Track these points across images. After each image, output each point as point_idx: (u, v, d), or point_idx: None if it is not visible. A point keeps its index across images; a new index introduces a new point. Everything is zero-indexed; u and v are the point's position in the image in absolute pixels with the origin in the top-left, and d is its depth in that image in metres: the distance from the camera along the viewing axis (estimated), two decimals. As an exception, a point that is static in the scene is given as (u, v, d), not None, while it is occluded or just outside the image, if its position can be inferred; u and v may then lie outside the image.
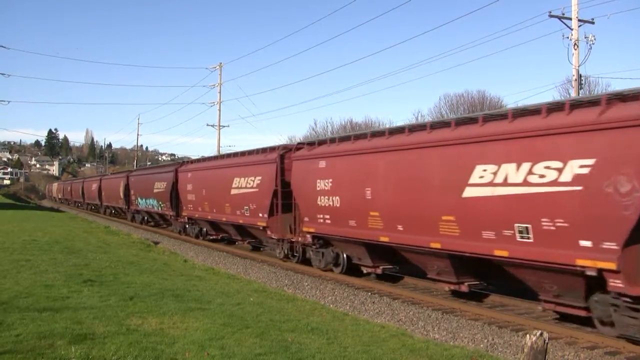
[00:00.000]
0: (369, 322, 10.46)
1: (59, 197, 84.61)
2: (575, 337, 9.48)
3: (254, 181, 19.34)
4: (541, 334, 5.10)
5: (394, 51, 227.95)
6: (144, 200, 33.83)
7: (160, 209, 30.56)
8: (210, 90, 49.42)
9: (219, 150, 44.10)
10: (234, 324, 8.56)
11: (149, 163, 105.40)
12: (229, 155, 23.57)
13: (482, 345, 9.35)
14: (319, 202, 15.31)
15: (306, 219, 16.19)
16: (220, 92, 43.62)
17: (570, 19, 22.85)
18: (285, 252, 18.17)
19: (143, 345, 6.88)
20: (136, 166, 75.23)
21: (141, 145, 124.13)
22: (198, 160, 27.64)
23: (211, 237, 25.18)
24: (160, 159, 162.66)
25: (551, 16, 23.09)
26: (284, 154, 17.76)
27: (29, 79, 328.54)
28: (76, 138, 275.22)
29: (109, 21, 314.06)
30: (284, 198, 17.45)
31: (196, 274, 15.15)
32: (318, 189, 15.28)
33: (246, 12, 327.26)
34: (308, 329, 8.73)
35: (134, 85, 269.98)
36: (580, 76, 23.04)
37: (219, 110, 43.66)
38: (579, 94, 22.59)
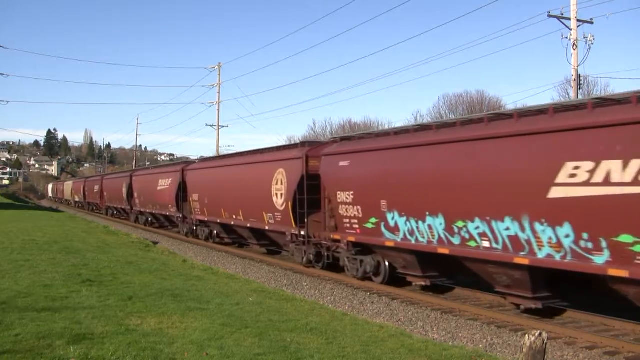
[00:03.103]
0: (368, 322, 10.45)
1: (76, 200, 62.87)
2: (575, 337, 9.49)
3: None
4: (540, 334, 5.10)
5: (394, 51, 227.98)
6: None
7: None
8: (209, 90, 49.29)
9: (217, 151, 44.09)
10: (233, 324, 8.56)
11: (149, 163, 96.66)
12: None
13: (481, 345, 9.36)
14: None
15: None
16: (219, 92, 43.59)
17: (569, 19, 22.86)
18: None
19: (142, 345, 6.88)
20: (135, 166, 64.27)
21: (140, 145, 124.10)
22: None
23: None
24: (159, 159, 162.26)
25: (550, 16, 23.09)
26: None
27: (28, 79, 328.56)
28: (75, 138, 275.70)
29: (109, 21, 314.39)
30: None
31: (195, 274, 15.12)
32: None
33: (246, 12, 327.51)
34: (307, 329, 8.72)
35: (133, 85, 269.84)
36: (579, 76, 23.05)
37: (218, 110, 43.61)
38: (577, 95, 22.64)
